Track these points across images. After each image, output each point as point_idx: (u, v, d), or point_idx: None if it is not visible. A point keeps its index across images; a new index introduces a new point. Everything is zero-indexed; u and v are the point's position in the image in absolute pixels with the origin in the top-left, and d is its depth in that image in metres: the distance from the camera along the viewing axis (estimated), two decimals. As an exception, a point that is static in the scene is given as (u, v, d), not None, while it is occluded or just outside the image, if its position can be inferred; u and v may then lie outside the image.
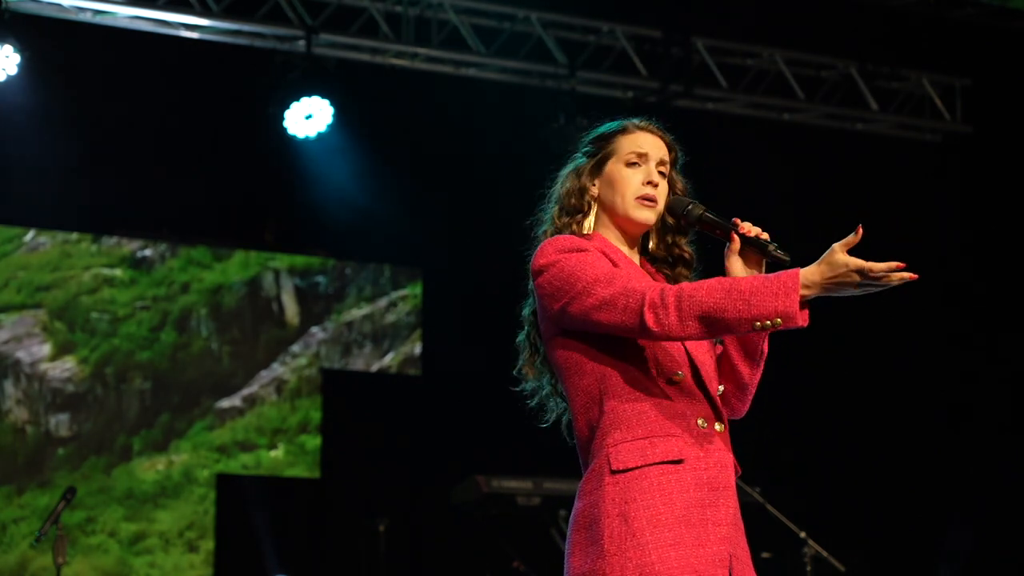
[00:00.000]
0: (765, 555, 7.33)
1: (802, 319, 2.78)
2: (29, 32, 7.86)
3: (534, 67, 8.91)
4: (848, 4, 9.08)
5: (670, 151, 3.17)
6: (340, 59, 8.60)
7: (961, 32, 9.33)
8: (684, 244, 3.18)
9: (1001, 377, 9.44)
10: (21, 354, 9.23)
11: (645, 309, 2.85)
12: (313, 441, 9.77)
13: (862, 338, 9.54)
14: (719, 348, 3.12)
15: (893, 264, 2.78)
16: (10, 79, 7.83)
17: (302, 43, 8.36)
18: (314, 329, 9.96)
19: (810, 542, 7.04)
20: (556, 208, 3.19)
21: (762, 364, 3.06)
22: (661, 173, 3.14)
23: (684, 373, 3.00)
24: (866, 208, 9.49)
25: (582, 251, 3.02)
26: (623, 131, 3.16)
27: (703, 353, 3.05)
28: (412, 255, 10.11)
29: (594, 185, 3.15)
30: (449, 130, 9.12)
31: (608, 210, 3.14)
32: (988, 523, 9.34)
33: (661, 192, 3.12)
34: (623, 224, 3.14)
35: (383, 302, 10.13)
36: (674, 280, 3.15)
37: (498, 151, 8.94)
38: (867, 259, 2.76)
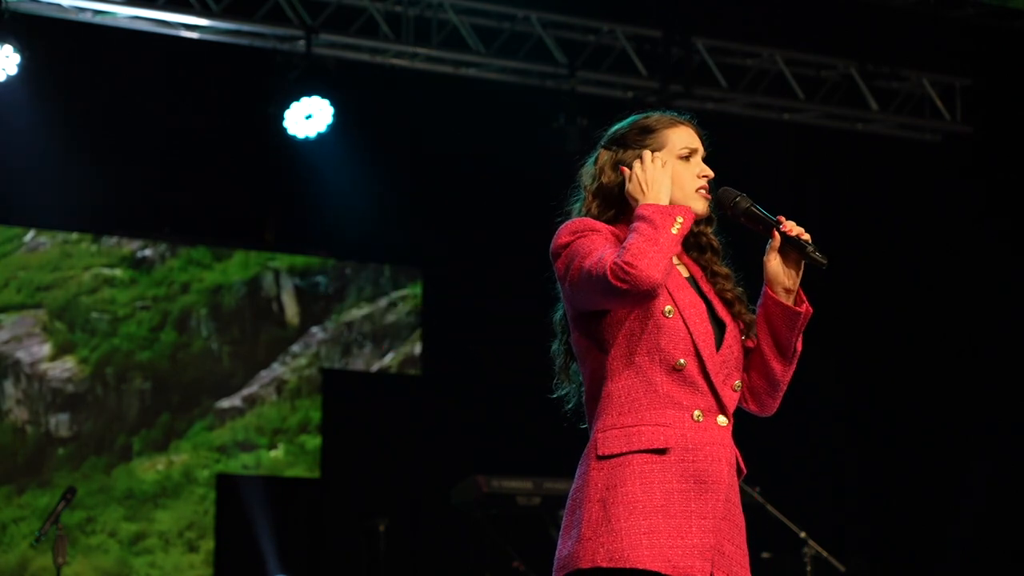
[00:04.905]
0: (765, 555, 7.33)
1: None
2: (29, 32, 7.85)
3: (534, 67, 8.90)
4: (848, 4, 9.08)
5: (704, 146, 3.24)
6: (340, 59, 8.59)
7: (961, 32, 9.32)
8: (710, 233, 3.22)
9: (1001, 377, 9.43)
10: (21, 354, 9.22)
11: (607, 272, 2.88)
12: (313, 441, 9.77)
13: (861, 338, 9.53)
14: (751, 343, 3.12)
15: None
16: (10, 79, 7.82)
17: (302, 43, 8.36)
18: (314, 329, 9.96)
19: (810, 542, 7.04)
20: (597, 200, 3.17)
21: (795, 362, 3.08)
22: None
23: (687, 362, 3.00)
24: (866, 208, 9.52)
25: (594, 231, 3.05)
26: (671, 125, 3.18)
27: (712, 345, 3.04)
28: (412, 255, 10.10)
29: None
30: (449, 130, 9.12)
31: None
32: (988, 522, 9.34)
33: None
34: None
35: (383, 302, 10.13)
36: (705, 266, 3.18)
37: (498, 151, 8.94)
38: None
